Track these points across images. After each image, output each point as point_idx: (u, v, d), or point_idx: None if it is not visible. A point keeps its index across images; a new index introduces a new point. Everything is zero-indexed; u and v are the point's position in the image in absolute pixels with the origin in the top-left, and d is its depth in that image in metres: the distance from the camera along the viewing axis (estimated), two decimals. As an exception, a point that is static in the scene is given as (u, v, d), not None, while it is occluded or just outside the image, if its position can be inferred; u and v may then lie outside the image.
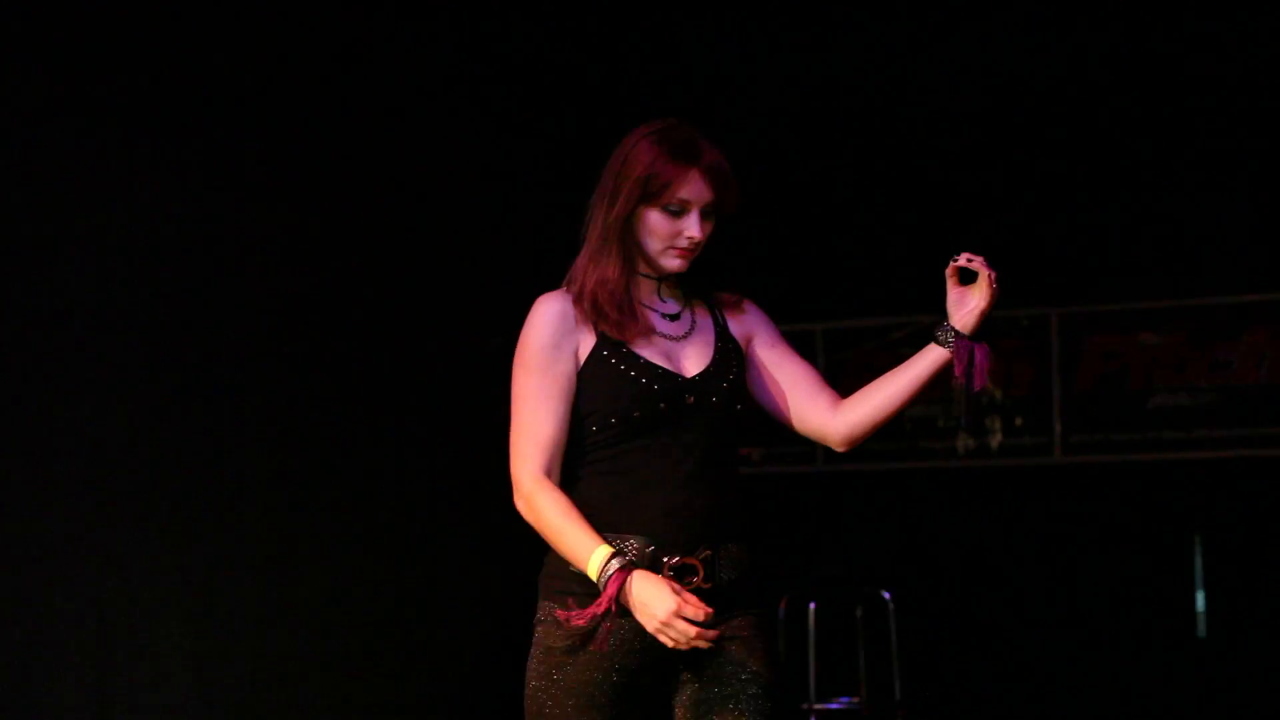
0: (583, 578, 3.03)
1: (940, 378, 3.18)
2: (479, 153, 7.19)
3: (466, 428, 6.64)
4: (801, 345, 8.15)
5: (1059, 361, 7.94)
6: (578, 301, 3.15)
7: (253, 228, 6.11)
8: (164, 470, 5.87)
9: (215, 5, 5.96)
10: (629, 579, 2.96)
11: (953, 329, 3.15)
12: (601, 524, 3.05)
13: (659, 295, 3.22)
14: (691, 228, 3.13)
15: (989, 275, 3.12)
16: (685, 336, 3.19)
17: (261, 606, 6.25)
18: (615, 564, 2.98)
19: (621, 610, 2.98)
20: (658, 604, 2.93)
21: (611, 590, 2.96)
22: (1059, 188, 7.86)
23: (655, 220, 3.13)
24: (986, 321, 3.16)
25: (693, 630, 2.92)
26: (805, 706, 7.47)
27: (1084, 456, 7.91)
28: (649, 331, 3.15)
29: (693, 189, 3.12)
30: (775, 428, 3.33)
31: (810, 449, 7.99)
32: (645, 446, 3.08)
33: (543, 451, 3.09)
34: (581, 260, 3.19)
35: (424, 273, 6.82)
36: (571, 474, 3.13)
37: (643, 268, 3.19)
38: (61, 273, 5.46)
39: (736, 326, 3.26)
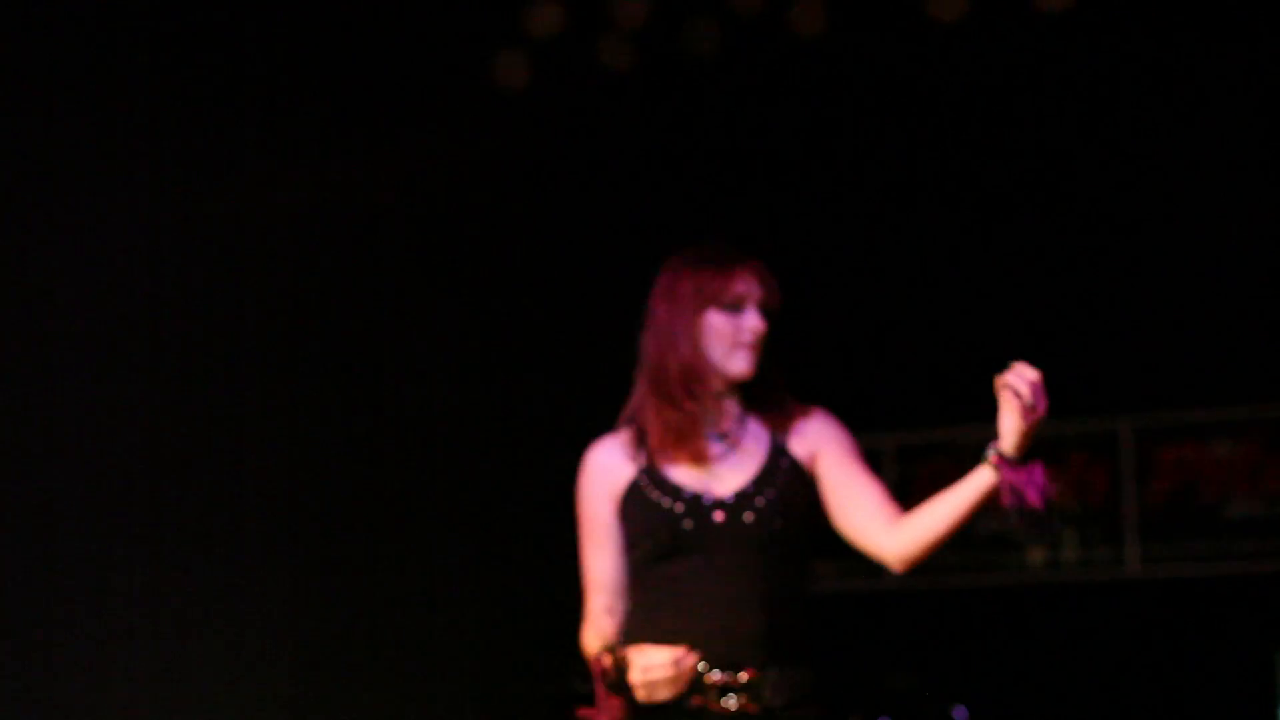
0: None
1: (995, 497, 3.10)
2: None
3: (490, 445, 6.75)
4: (872, 458, 8.13)
5: (1132, 473, 7.87)
6: (633, 437, 3.26)
7: (270, 239, 6.21)
8: (197, 488, 5.95)
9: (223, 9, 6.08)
10: (616, 653, 3.07)
11: (996, 449, 3.08)
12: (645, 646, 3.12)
13: (710, 416, 3.26)
14: (753, 320, 3.21)
15: (1016, 398, 3.03)
16: (726, 455, 3.22)
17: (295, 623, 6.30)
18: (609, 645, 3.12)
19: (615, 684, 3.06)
20: (647, 658, 3.02)
21: (605, 661, 3.05)
22: (1129, 297, 7.81)
23: (717, 322, 3.21)
24: (1033, 441, 3.07)
25: (667, 664, 2.99)
26: (879, 827, 7.38)
27: (1159, 569, 7.81)
28: (692, 455, 3.21)
29: (745, 284, 3.25)
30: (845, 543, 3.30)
31: (881, 565, 7.92)
32: (686, 569, 3.13)
33: (601, 592, 3.25)
34: (639, 394, 3.28)
35: (434, 287, 6.88)
36: (633, 596, 3.23)
37: (682, 395, 3.23)
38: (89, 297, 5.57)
39: (800, 443, 3.27)
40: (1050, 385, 8.49)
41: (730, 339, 3.21)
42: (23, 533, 5.38)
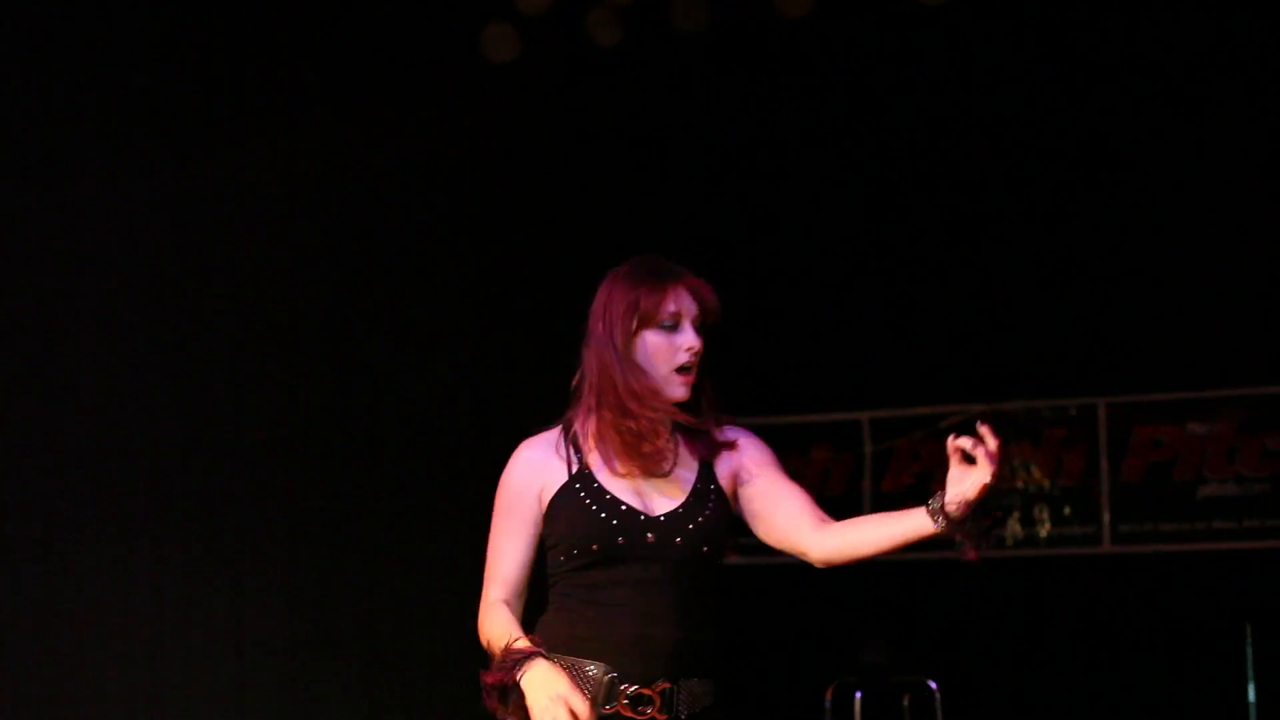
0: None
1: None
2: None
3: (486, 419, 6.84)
4: (848, 434, 8.21)
5: (1107, 451, 7.92)
6: (565, 441, 3.27)
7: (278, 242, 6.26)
8: (214, 488, 6.00)
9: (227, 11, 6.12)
10: (534, 661, 3.07)
11: (942, 510, 3.10)
12: (564, 649, 3.16)
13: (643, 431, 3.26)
14: (689, 339, 3.22)
15: (987, 471, 3.03)
16: (664, 475, 3.25)
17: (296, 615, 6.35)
18: (527, 646, 3.11)
19: (504, 694, 3.08)
20: (554, 683, 3.04)
21: (516, 656, 3.08)
22: (1108, 278, 7.85)
23: (653, 342, 3.23)
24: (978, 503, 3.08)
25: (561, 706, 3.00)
26: (852, 796, 7.45)
27: (1133, 546, 7.87)
28: (644, 465, 3.23)
29: (679, 301, 3.24)
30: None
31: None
32: (609, 578, 3.18)
33: (502, 585, 3.26)
34: (583, 405, 3.28)
35: (425, 258, 6.92)
36: (543, 602, 3.25)
37: (636, 408, 3.23)
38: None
39: (722, 464, 3.31)
40: (1029, 365, 8.56)
41: (667, 359, 3.23)
42: (21, 518, 5.42)
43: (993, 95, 7.84)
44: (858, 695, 7.46)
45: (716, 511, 3.25)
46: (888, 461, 8.05)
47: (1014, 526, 8.09)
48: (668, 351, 3.22)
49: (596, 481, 3.22)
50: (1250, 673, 7.51)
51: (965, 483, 3.07)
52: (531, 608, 3.27)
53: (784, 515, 3.28)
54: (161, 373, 5.86)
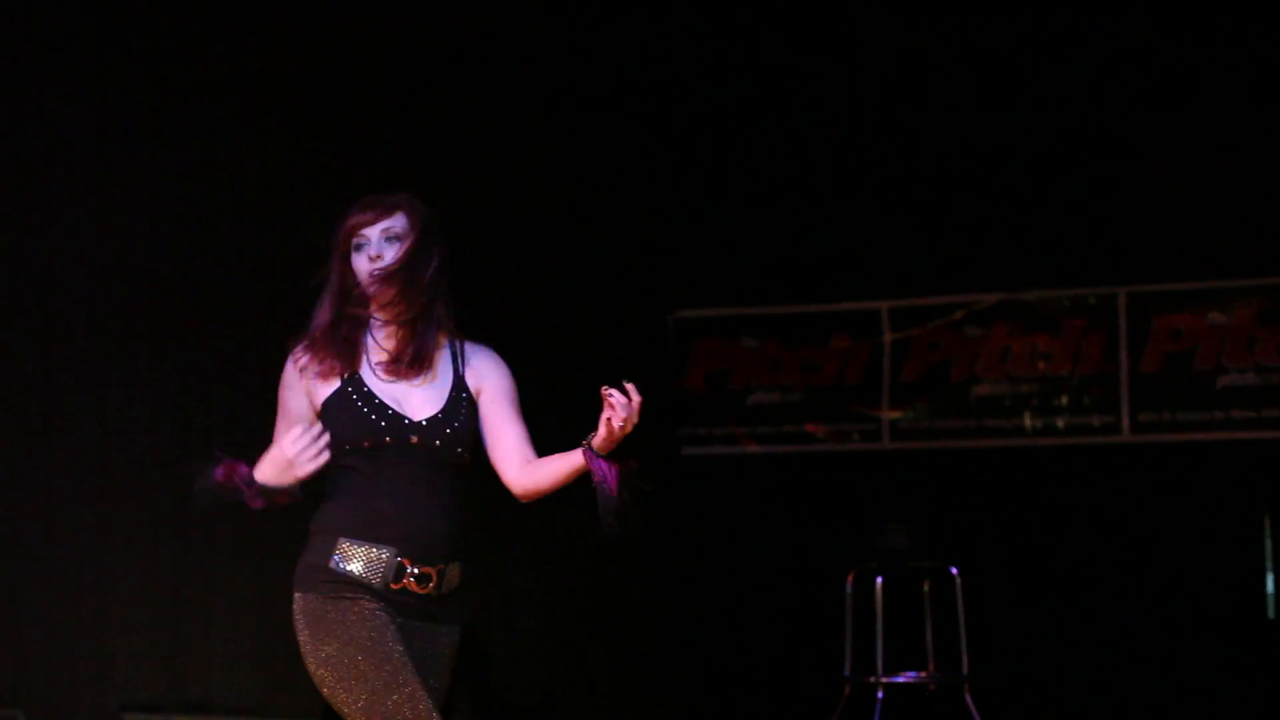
0: (334, 574, 3.76)
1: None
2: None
3: None
4: (867, 323, 8.21)
5: (1127, 341, 7.92)
6: (341, 345, 3.83)
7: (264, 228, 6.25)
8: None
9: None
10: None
11: (589, 443, 3.70)
12: (356, 534, 3.78)
13: (386, 341, 3.88)
14: (363, 260, 3.83)
15: (608, 420, 3.61)
16: (421, 383, 3.85)
17: None
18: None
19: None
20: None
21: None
22: (1128, 166, 7.83)
23: (354, 261, 3.85)
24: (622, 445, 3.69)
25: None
26: (872, 680, 7.50)
27: (1152, 436, 7.89)
28: (382, 372, 3.83)
29: (357, 222, 3.85)
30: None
31: (876, 427, 8.02)
32: (387, 473, 3.78)
33: None
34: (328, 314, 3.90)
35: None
36: (333, 487, 3.84)
37: (375, 310, 3.86)
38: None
39: (473, 378, 3.92)
40: (1048, 254, 8.50)
41: (362, 274, 3.82)
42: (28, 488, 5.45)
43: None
44: (879, 581, 7.52)
45: (468, 420, 3.86)
46: (906, 350, 8.06)
47: (1028, 418, 8.12)
48: (359, 271, 3.82)
49: (366, 385, 3.81)
50: (1269, 563, 7.56)
51: (608, 427, 3.64)
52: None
53: (503, 452, 3.88)
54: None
